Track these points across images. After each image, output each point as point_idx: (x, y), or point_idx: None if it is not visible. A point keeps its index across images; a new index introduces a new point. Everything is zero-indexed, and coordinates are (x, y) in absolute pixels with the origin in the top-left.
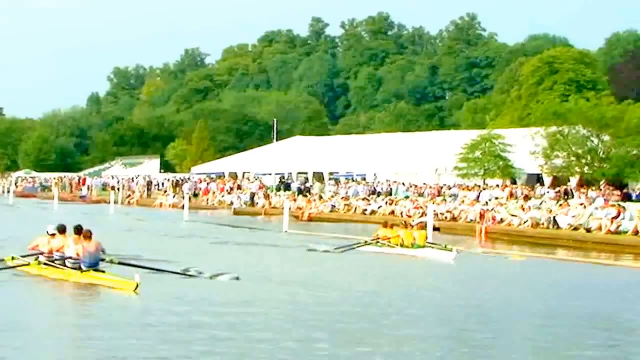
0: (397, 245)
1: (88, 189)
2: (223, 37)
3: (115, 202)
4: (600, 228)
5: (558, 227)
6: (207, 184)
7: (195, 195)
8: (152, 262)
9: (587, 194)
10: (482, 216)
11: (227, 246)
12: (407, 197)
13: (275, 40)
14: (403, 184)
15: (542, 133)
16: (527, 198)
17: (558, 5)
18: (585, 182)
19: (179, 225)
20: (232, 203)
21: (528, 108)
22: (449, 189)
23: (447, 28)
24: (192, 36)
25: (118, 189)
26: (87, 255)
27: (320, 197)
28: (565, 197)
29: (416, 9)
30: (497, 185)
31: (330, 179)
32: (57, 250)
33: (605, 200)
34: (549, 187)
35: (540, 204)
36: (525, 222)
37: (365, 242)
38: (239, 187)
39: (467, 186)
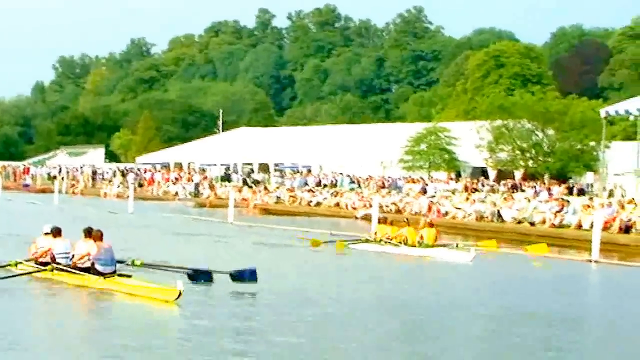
0: (400, 244)
1: (32, 178)
2: (169, 28)
3: (60, 191)
4: (544, 222)
5: (502, 221)
6: (153, 174)
7: (140, 185)
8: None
9: (549, 189)
10: (428, 209)
11: (178, 237)
12: (352, 189)
13: (222, 31)
14: (348, 176)
15: (487, 127)
16: (494, 191)
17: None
18: (530, 176)
19: (124, 215)
20: (177, 193)
21: (474, 101)
22: (394, 181)
23: (393, 21)
24: (138, 26)
25: (62, 178)
26: (103, 256)
27: (266, 189)
28: (514, 190)
29: (363, 2)
30: (452, 179)
31: (275, 170)
32: (77, 256)
33: (549, 194)
34: (493, 181)
35: (485, 197)
36: (469, 215)
37: (366, 239)
38: (190, 179)
39: (413, 179)
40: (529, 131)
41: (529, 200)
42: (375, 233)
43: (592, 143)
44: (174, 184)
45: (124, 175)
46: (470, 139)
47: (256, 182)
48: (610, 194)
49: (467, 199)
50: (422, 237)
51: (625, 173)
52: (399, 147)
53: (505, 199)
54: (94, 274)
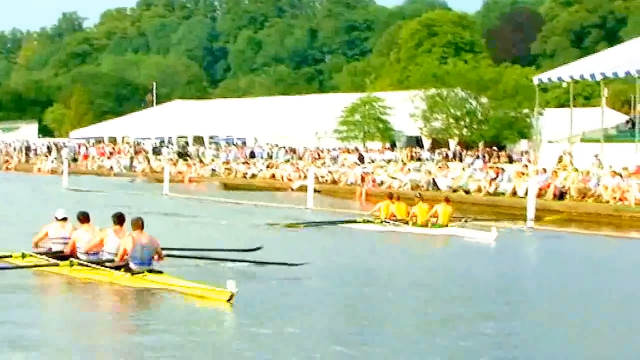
0: (406, 223)
1: None
2: (101, 1)
3: None
4: (479, 190)
5: (438, 189)
6: (87, 148)
7: (75, 160)
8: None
9: (485, 157)
10: (362, 179)
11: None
12: (287, 160)
13: (154, 4)
14: (283, 147)
15: (421, 96)
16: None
17: None
18: (464, 144)
19: (58, 190)
20: (111, 168)
21: (407, 71)
22: (329, 152)
23: None
24: (70, 0)
25: None
26: (139, 248)
27: (201, 161)
28: (453, 159)
29: None
30: (387, 149)
31: (210, 143)
32: (90, 249)
33: (484, 162)
34: (428, 150)
35: (420, 166)
36: (405, 184)
37: (364, 220)
38: (138, 152)
39: (348, 149)
40: (462, 99)
41: (464, 169)
42: (379, 210)
43: (526, 110)
44: (108, 158)
45: (58, 150)
46: (404, 109)
47: (187, 155)
48: (560, 160)
49: (402, 168)
50: (437, 214)
51: (559, 139)
52: (333, 118)
53: (440, 167)
54: (114, 269)
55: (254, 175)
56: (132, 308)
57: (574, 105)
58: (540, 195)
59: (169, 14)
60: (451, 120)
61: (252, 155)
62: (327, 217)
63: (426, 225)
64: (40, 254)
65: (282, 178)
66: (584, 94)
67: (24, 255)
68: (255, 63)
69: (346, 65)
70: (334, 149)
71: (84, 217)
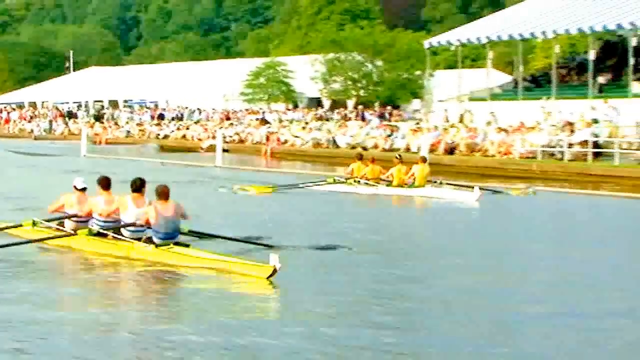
0: (379, 183)
1: None
2: None
3: None
4: (375, 146)
5: (337, 147)
6: (8, 113)
7: None
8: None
9: (381, 115)
10: (267, 138)
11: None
12: (197, 121)
13: None
14: (193, 109)
15: (320, 60)
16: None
17: None
18: (362, 104)
19: None
20: (32, 131)
21: (308, 37)
22: (236, 113)
23: None
24: None
25: None
26: (162, 221)
27: (116, 124)
28: (355, 118)
29: None
30: (289, 109)
31: (125, 106)
32: (109, 215)
33: (380, 120)
34: (328, 110)
35: (321, 126)
36: (307, 142)
37: (334, 180)
38: (63, 115)
39: (253, 110)
40: (359, 63)
41: (361, 127)
42: (352, 171)
43: (418, 72)
44: (29, 122)
45: None
46: (305, 72)
47: (102, 118)
48: (461, 120)
49: (305, 127)
50: (414, 175)
51: (448, 99)
52: (239, 82)
53: (339, 126)
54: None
55: (166, 136)
56: (159, 286)
57: (462, 67)
58: (432, 150)
59: None
60: (349, 82)
61: (162, 117)
62: (295, 179)
63: (402, 186)
64: (52, 219)
65: (193, 138)
66: (471, 57)
67: (34, 223)
68: (166, 31)
69: (250, 33)
70: (240, 111)
71: (105, 183)
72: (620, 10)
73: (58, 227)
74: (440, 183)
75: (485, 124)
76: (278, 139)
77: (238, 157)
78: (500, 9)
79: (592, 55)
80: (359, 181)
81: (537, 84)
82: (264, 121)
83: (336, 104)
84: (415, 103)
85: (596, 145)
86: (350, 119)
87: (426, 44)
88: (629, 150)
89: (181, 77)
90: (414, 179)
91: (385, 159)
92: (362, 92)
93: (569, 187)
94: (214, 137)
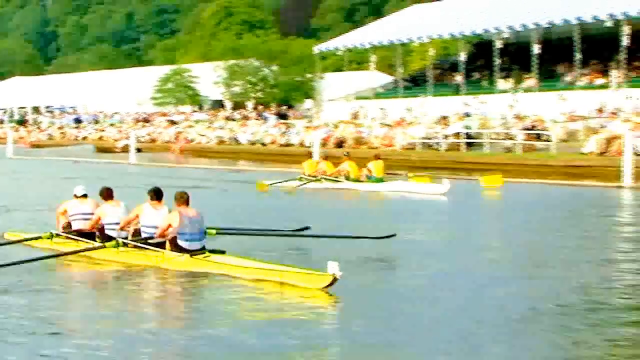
0: (343, 179)
1: None
2: None
3: None
4: (273, 142)
5: (239, 143)
6: None
7: None
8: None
9: (279, 114)
10: (176, 137)
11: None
12: (112, 124)
13: None
14: (108, 113)
15: (222, 66)
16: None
17: None
18: (260, 105)
19: None
20: None
21: (210, 45)
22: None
23: None
24: None
25: None
26: (187, 222)
27: (39, 128)
28: (254, 118)
29: None
30: (195, 111)
31: (46, 111)
32: (127, 224)
33: (277, 119)
34: (230, 110)
35: (224, 125)
36: (211, 140)
37: (300, 178)
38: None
39: (163, 112)
40: (257, 68)
41: (260, 125)
42: (304, 169)
43: (309, 75)
44: None
45: None
46: (209, 77)
47: (25, 122)
48: (355, 117)
49: (209, 127)
50: (370, 170)
51: (337, 98)
52: (150, 87)
53: (241, 125)
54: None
55: (85, 138)
56: (199, 298)
57: (348, 70)
58: (323, 144)
59: (5, 3)
60: (248, 85)
61: (79, 120)
62: (206, 174)
63: (359, 181)
64: (69, 232)
65: (109, 139)
66: (356, 60)
67: (52, 236)
68: (82, 43)
69: (159, 43)
70: (151, 113)
71: (107, 193)
72: (486, 16)
73: (76, 238)
74: (407, 176)
75: (370, 120)
76: (186, 138)
77: (150, 155)
78: (381, 17)
79: (462, 56)
80: (321, 179)
81: (416, 83)
82: (173, 122)
83: (237, 106)
84: (308, 103)
85: (468, 136)
86: (250, 118)
87: (316, 49)
88: (496, 140)
89: (97, 84)
90: (371, 173)
91: (283, 153)
92: (260, 94)
93: (445, 174)
94: (127, 138)
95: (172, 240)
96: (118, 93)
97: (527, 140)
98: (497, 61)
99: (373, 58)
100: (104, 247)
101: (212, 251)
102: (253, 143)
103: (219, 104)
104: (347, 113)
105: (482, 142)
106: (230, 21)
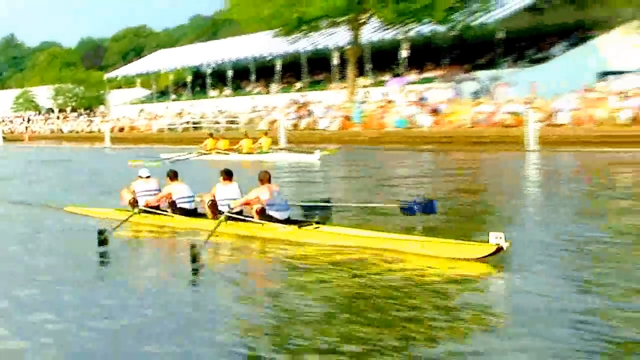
0: (231, 152)
1: None
2: None
3: None
4: (82, 130)
5: (62, 132)
6: None
7: None
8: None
9: (80, 114)
10: (26, 129)
11: None
12: None
13: None
14: None
15: (52, 88)
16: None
17: None
18: (75, 109)
19: None
20: None
21: (43, 76)
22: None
23: None
24: None
25: None
26: (276, 194)
27: None
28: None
29: None
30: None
31: None
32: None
33: (85, 116)
34: (57, 113)
35: (52, 121)
36: (45, 131)
37: (199, 152)
38: None
39: (18, 115)
40: (72, 88)
41: (74, 120)
42: (205, 145)
43: (102, 91)
44: None
45: None
46: (44, 94)
47: None
48: (139, 114)
49: (45, 123)
50: (261, 145)
51: (119, 104)
52: (10, 101)
53: (63, 120)
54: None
55: None
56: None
57: (126, 87)
58: (111, 131)
59: None
60: (67, 98)
61: None
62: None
63: (252, 153)
64: (151, 207)
65: None
66: (128, 82)
67: (139, 212)
68: None
69: (15, 75)
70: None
71: (174, 174)
72: (200, 56)
73: (161, 211)
74: (289, 150)
75: (137, 115)
76: (32, 130)
77: (8, 142)
78: (142, 57)
79: (189, 79)
80: (217, 152)
81: (163, 94)
82: (28, 120)
83: (61, 110)
84: (102, 107)
85: (194, 123)
86: (68, 117)
87: (106, 76)
88: (209, 125)
89: None
90: (261, 148)
91: (90, 137)
92: (74, 103)
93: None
94: None
95: (261, 211)
96: None
97: (227, 124)
98: (209, 80)
99: (138, 81)
100: (219, 221)
101: (317, 222)
102: (71, 131)
103: (50, 110)
104: (127, 112)
105: (202, 127)
106: (54, 62)
